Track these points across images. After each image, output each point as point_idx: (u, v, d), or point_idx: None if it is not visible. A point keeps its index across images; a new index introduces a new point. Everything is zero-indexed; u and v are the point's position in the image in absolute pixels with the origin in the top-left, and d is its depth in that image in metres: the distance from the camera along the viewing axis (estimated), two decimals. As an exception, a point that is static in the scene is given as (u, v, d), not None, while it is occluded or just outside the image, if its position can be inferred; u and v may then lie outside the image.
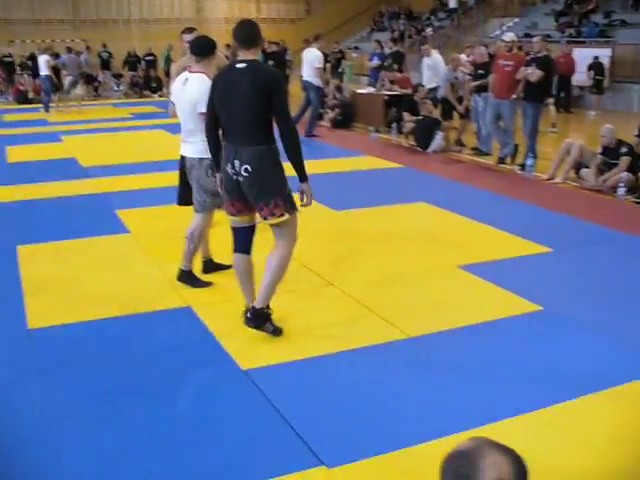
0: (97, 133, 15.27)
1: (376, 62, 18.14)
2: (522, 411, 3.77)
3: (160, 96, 23.03)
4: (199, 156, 5.52)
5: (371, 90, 16.66)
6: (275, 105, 4.44)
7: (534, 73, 10.30)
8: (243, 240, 4.83)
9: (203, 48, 5.55)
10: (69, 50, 21.11)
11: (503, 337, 4.80)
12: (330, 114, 16.08)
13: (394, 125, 14.14)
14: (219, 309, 5.31)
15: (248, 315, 4.71)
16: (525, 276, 6.02)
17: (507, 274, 6.00)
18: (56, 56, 20.99)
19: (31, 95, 23.13)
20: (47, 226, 7.75)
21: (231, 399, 4.01)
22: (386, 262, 6.42)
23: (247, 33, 4.62)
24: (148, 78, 25.05)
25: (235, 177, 4.53)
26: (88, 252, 6.80)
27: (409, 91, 14.43)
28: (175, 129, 6.90)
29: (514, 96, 10.73)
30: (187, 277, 5.81)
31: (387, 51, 18.08)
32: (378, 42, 20.23)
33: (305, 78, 14.56)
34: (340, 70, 20.37)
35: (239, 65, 4.53)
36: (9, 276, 6.08)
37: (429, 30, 28.63)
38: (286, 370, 4.35)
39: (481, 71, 11.87)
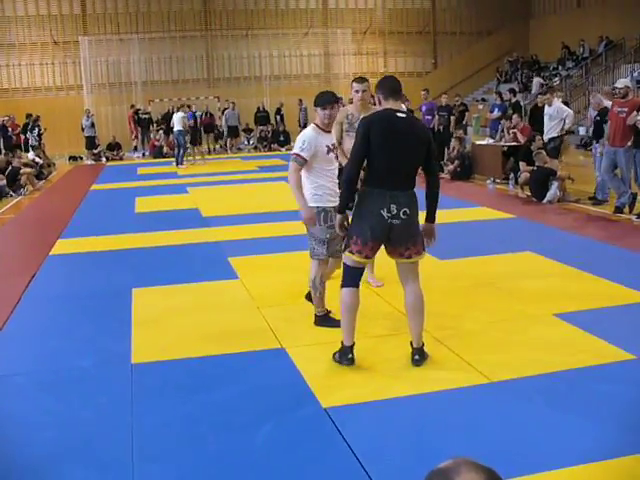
0: (222, 185, 15.99)
1: (496, 114, 18.17)
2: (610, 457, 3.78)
3: (287, 149, 23.79)
4: (310, 204, 5.80)
5: (490, 141, 16.71)
6: (431, 158, 4.97)
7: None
8: (359, 277, 5.15)
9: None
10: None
11: (589, 383, 4.78)
12: (450, 166, 16.21)
13: (511, 176, 14.13)
14: (310, 351, 5.52)
15: (416, 355, 5.10)
16: (623, 325, 5.93)
17: (604, 323, 5.92)
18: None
19: (165, 150, 24.41)
20: (162, 271, 8.25)
21: (308, 437, 4.19)
22: (480, 308, 6.48)
23: (396, 85, 5.05)
24: (277, 132, 25.94)
25: (390, 220, 4.83)
26: (196, 296, 7.21)
27: (522, 141, 14.40)
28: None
29: (629, 144, 10.57)
30: (322, 320, 6.07)
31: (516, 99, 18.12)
32: (498, 94, 20.23)
33: None
34: (464, 122, 20.40)
35: (400, 114, 4.91)
36: (122, 316, 6.55)
37: (556, 80, 28.38)
38: (368, 410, 4.48)
39: (598, 118, 11.79)
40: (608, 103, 11.92)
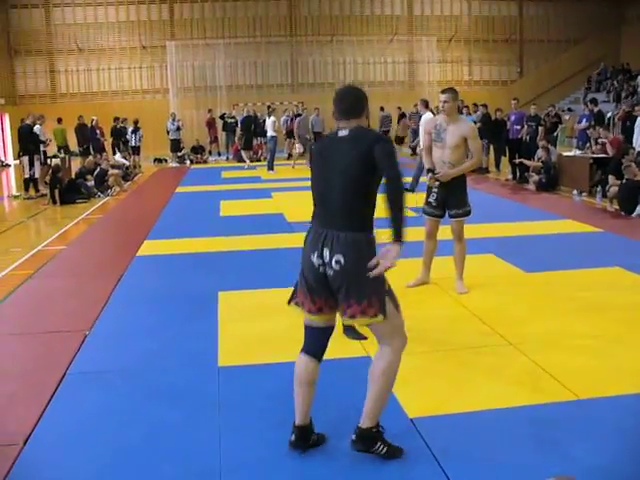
0: (307, 191, 16.01)
1: (584, 124, 17.82)
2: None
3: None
4: None
5: (577, 152, 16.37)
6: (381, 162, 3.75)
7: None
8: (317, 342, 4.08)
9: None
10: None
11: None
12: (535, 177, 15.94)
13: (598, 189, 13.83)
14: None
15: (352, 437, 3.96)
16: None
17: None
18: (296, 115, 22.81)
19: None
20: (248, 275, 8.35)
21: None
22: (570, 325, 6.34)
23: (344, 105, 3.99)
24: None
25: (321, 269, 3.85)
26: (282, 300, 7.22)
27: (611, 153, 14.09)
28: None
29: None
30: (348, 331, 5.97)
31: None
32: (586, 104, 19.87)
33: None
34: (555, 134, 19.97)
35: (342, 133, 3.93)
36: (209, 318, 6.64)
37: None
38: (454, 422, 4.45)
39: None
40: None
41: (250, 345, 5.97)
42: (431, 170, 7.32)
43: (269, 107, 24.10)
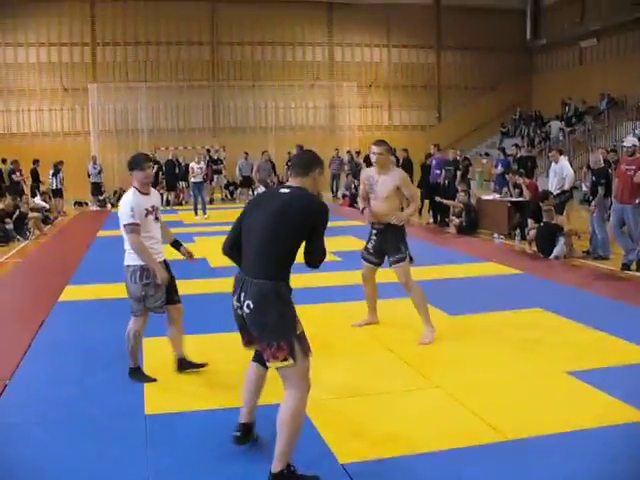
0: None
1: (500, 169, 18.35)
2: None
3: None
4: (125, 263, 6.06)
5: (496, 196, 16.81)
6: (311, 240, 4.14)
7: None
8: (261, 356, 4.35)
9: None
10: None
11: (601, 446, 4.75)
12: (455, 220, 16.27)
13: (517, 231, 14.20)
14: (322, 403, 5.47)
15: None
16: (637, 384, 5.91)
17: (618, 382, 5.89)
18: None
19: (169, 198, 24.63)
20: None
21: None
22: (493, 365, 6.48)
23: (299, 162, 4.44)
24: (283, 183, 26.08)
25: (238, 310, 4.16)
26: (209, 347, 7.21)
27: (528, 197, 14.55)
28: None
29: (637, 201, 10.65)
30: (133, 374, 6.20)
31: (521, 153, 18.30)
32: (501, 149, 20.49)
33: None
34: (469, 177, 20.43)
35: (283, 190, 4.27)
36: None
37: (559, 135, 28.70)
38: (384, 467, 4.47)
39: (594, 178, 12.10)
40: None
41: (175, 392, 5.89)
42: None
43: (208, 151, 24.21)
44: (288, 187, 4.28)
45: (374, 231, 7.45)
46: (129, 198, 5.96)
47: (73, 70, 30.97)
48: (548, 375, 6.19)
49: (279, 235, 4.05)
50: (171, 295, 6.29)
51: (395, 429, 5.05)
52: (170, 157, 25.43)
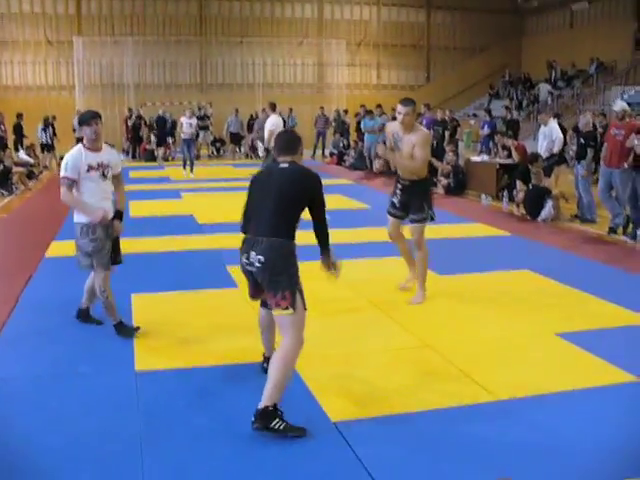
0: (217, 192, 15.95)
1: (486, 130, 18.34)
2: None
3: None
4: (74, 220, 6.11)
5: (484, 158, 16.77)
6: (316, 206, 4.73)
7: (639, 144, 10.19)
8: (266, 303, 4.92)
9: None
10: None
11: (590, 405, 4.80)
12: (443, 181, 16.24)
13: (505, 193, 14.20)
14: (314, 363, 5.48)
15: (253, 417, 4.35)
16: (625, 346, 5.96)
17: (606, 343, 5.95)
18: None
19: (157, 153, 24.43)
20: (161, 277, 8.23)
21: (318, 449, 4.18)
22: (483, 326, 6.53)
23: (286, 143, 4.93)
24: (268, 140, 25.94)
25: (247, 267, 4.65)
26: (196, 303, 7.20)
27: (516, 159, 14.51)
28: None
29: (625, 165, 10.65)
30: (118, 330, 6.23)
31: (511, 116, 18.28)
32: (488, 111, 20.47)
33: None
34: (457, 138, 20.39)
35: (282, 165, 4.80)
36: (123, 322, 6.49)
37: (548, 98, 28.64)
38: (376, 425, 4.49)
39: (582, 140, 12.04)
40: None
41: (166, 349, 5.89)
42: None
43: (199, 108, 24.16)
44: (286, 162, 4.81)
45: (399, 186, 7.40)
46: (71, 152, 6.10)
47: (57, 22, 30.50)
48: (537, 336, 6.22)
49: (287, 202, 4.62)
50: (115, 255, 6.33)
51: (386, 388, 5.07)
52: (160, 113, 25.13)
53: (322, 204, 4.77)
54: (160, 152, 24.25)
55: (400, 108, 7.02)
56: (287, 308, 4.48)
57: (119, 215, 6.26)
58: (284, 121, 18.06)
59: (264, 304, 5.02)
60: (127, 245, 9.75)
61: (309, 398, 4.91)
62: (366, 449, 4.14)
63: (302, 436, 4.31)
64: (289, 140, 4.98)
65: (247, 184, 4.89)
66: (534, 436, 4.34)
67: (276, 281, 4.50)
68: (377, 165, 7.51)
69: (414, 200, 7.28)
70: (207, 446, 4.20)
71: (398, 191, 7.44)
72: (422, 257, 7.40)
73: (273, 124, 15.24)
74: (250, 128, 26.20)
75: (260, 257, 4.51)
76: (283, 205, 4.62)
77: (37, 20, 30.31)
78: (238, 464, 3.99)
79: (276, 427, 4.29)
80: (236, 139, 26.36)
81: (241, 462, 4.01)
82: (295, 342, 4.50)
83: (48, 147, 22.90)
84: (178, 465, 3.98)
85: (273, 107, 15.85)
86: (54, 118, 23.31)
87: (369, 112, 21.40)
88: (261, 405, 4.34)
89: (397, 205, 7.45)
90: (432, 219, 7.42)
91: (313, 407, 4.76)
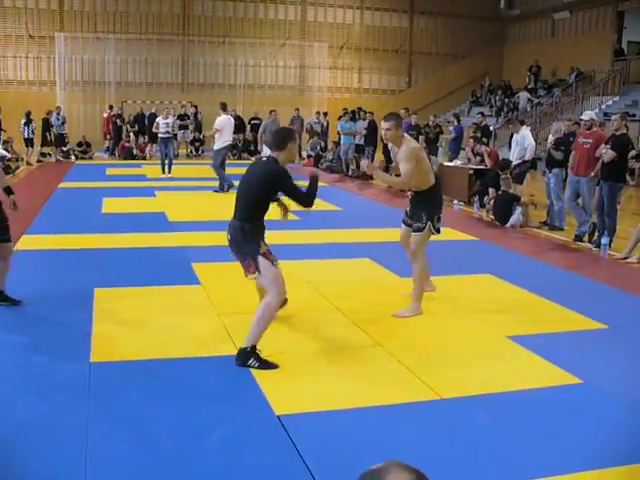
0: (190, 191, 16.02)
1: (453, 135, 18.75)
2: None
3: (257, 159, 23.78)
4: None
5: (458, 163, 16.92)
6: (289, 192, 5.61)
7: (607, 153, 10.34)
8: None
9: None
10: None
11: (530, 405, 4.93)
12: (416, 185, 16.34)
13: (476, 199, 14.35)
14: (264, 357, 5.57)
15: (236, 356, 5.45)
16: (572, 350, 6.10)
17: (555, 347, 6.09)
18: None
19: (135, 152, 24.43)
20: (126, 273, 8.29)
21: (260, 443, 4.27)
22: (437, 327, 6.65)
23: (276, 140, 5.82)
24: (248, 141, 25.97)
25: (228, 243, 5.75)
26: (159, 299, 7.27)
27: (489, 165, 14.69)
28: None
29: (592, 174, 10.83)
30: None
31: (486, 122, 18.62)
32: (456, 116, 20.88)
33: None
34: (438, 144, 20.41)
35: (263, 159, 5.87)
36: (83, 314, 6.58)
37: (527, 105, 28.89)
38: (320, 419, 4.60)
39: (554, 147, 12.26)
40: None
41: (123, 342, 5.97)
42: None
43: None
44: (267, 157, 5.77)
45: (410, 195, 7.56)
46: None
47: (39, 17, 30.36)
48: (489, 338, 6.36)
49: (250, 191, 5.63)
50: (2, 234, 6.83)
51: (333, 384, 5.18)
52: (139, 111, 25.56)
53: (289, 189, 5.58)
54: (138, 150, 24.26)
55: (382, 123, 7.02)
56: (254, 272, 5.55)
57: (10, 190, 6.94)
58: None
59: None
60: (95, 241, 9.93)
61: (256, 390, 5.01)
62: (307, 444, 4.23)
63: (276, 368, 5.34)
64: (277, 137, 5.85)
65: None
66: (475, 434, 4.45)
67: (240, 252, 5.62)
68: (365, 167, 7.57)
69: (416, 209, 7.35)
70: (153, 437, 4.28)
71: (409, 200, 7.58)
72: (418, 269, 7.26)
73: (219, 123, 15.87)
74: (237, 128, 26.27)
75: (229, 236, 5.70)
76: (245, 192, 5.66)
77: (19, 14, 30.15)
78: (181, 456, 4.07)
79: (252, 364, 5.34)
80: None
81: (184, 454, 4.10)
82: (275, 294, 5.49)
83: (30, 142, 22.88)
84: (121, 455, 4.06)
85: (224, 107, 16.36)
86: (30, 113, 23.23)
87: (351, 117, 21.75)
88: (242, 345, 5.41)
89: (409, 214, 7.55)
90: (434, 232, 7.30)
91: (259, 399, 4.86)
